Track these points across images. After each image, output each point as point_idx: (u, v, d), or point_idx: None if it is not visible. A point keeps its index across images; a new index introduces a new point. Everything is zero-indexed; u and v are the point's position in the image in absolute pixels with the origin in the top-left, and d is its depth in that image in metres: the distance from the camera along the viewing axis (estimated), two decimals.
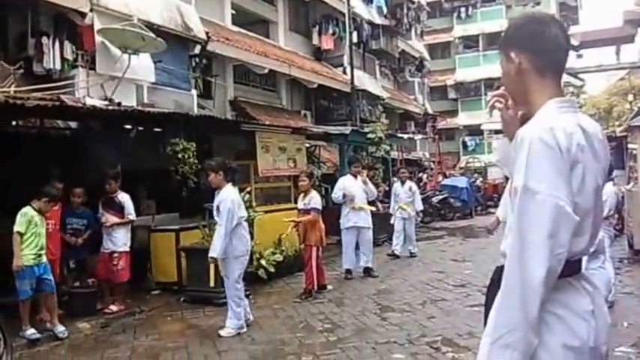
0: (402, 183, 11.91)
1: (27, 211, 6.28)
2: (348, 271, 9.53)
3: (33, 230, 6.26)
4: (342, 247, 9.75)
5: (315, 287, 8.20)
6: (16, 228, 6.17)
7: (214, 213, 6.59)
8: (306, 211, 8.28)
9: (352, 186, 9.57)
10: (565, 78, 40.78)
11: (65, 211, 7.42)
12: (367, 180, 10.04)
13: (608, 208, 6.76)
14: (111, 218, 7.53)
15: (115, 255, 7.44)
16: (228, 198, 6.34)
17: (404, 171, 12.61)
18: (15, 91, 7.95)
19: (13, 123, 8.32)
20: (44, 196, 6.39)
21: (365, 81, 21.17)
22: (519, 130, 1.73)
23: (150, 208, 10.06)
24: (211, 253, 6.33)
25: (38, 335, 6.25)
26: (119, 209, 7.56)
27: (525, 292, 1.62)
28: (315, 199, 8.27)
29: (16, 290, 6.15)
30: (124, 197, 7.58)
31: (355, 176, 9.73)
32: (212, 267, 6.84)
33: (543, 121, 1.70)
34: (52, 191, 6.52)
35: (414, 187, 12.19)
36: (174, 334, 6.64)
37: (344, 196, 9.42)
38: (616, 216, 9.43)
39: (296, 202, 9.73)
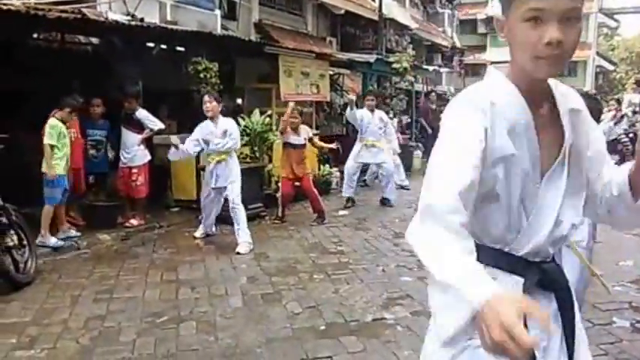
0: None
1: (56, 123, 6.40)
2: (348, 200, 9.50)
3: (63, 141, 6.47)
4: (345, 175, 9.57)
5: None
6: (48, 140, 6.30)
7: (218, 138, 6.71)
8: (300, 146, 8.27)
9: (369, 123, 9.39)
10: (600, 18, 39.40)
11: (85, 123, 7.51)
12: (385, 117, 9.80)
13: None
14: (132, 135, 7.61)
15: (134, 171, 7.58)
16: (234, 125, 6.89)
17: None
18: (35, 4, 7.86)
19: (34, 36, 8.27)
20: (66, 106, 6.51)
21: (393, 9, 20.54)
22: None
23: (171, 127, 10.10)
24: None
25: (62, 243, 6.51)
26: (138, 125, 7.63)
27: None
28: (289, 136, 8.15)
29: (43, 199, 6.34)
30: (141, 114, 7.62)
31: (372, 111, 9.51)
32: None
33: None
34: (73, 101, 6.63)
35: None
36: (191, 249, 6.83)
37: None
38: None
39: (318, 129, 9.76)
